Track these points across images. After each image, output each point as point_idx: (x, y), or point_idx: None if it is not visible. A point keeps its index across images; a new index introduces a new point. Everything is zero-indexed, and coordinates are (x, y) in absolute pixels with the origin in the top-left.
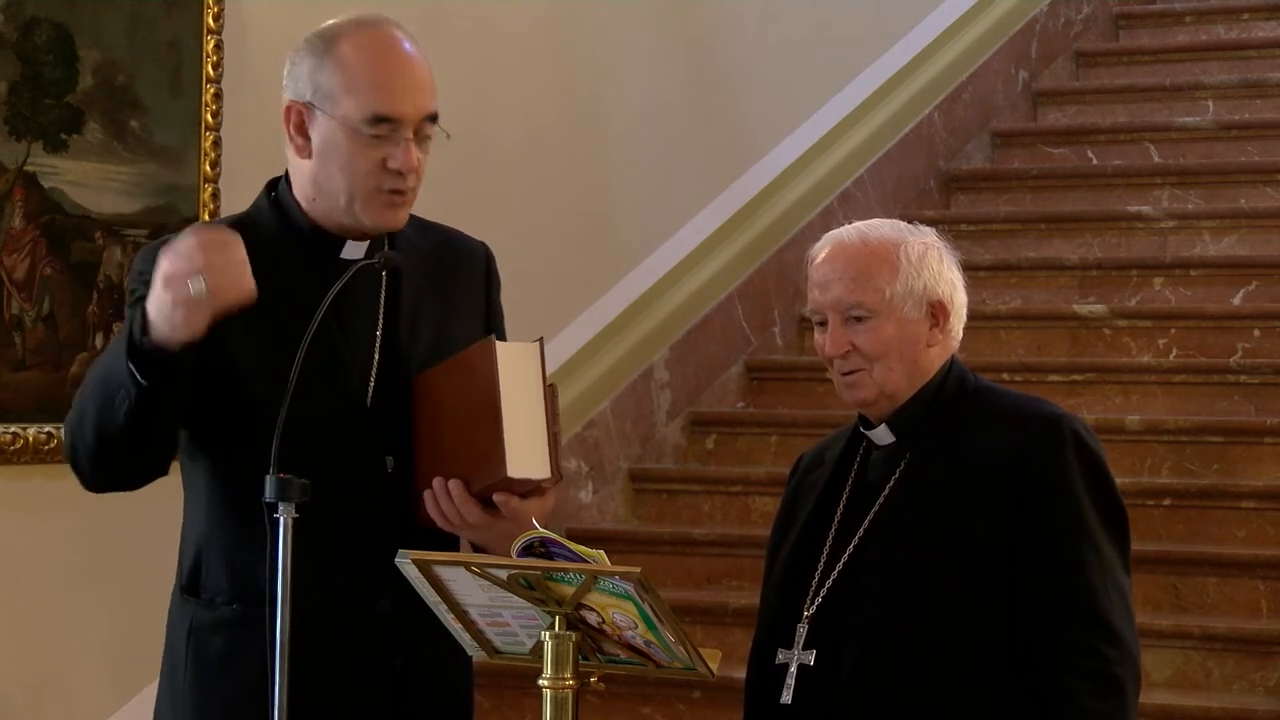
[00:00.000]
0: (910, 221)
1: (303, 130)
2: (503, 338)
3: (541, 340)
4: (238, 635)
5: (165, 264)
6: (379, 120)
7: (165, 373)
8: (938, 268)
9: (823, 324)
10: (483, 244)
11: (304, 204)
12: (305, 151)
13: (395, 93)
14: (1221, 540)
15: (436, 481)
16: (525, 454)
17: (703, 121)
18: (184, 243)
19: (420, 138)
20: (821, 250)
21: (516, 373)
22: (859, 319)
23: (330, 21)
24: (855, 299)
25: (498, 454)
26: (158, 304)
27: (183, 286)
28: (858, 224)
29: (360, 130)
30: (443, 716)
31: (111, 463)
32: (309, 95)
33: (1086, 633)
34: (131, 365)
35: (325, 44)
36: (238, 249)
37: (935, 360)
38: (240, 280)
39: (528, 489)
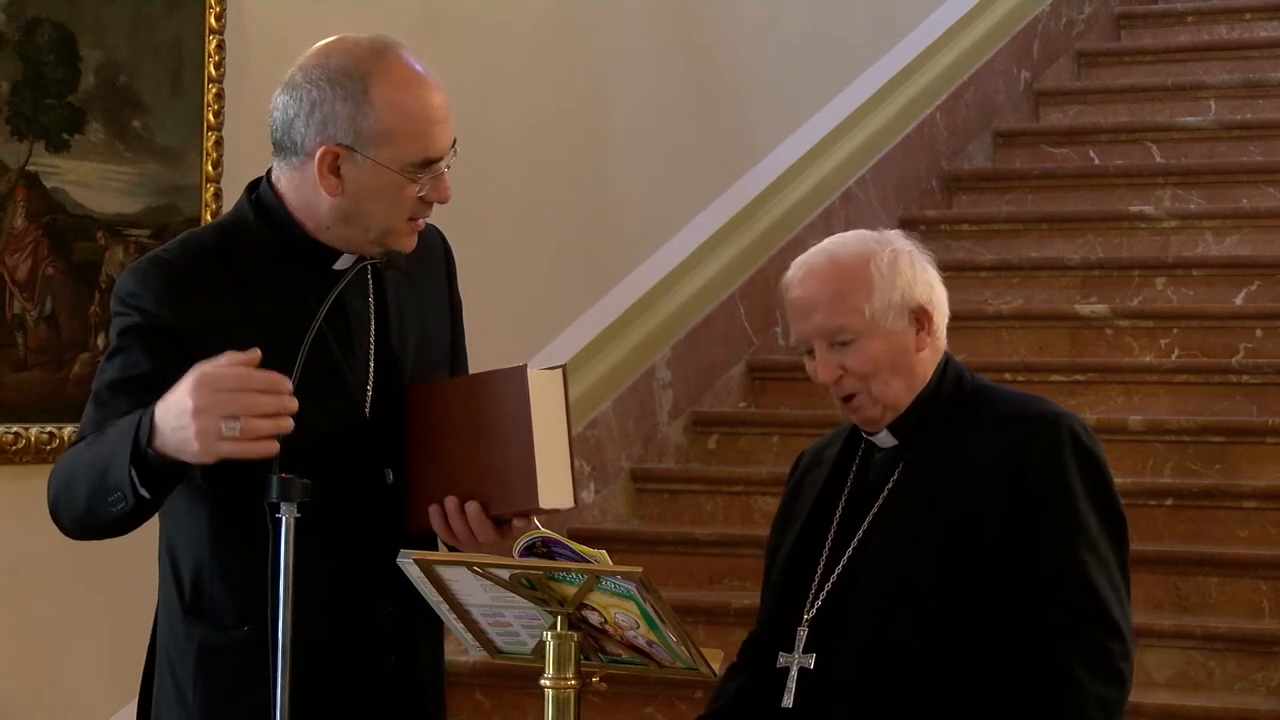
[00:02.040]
0: (906, 223)
1: (336, 171)
2: (461, 328)
3: (564, 368)
4: (251, 659)
5: (200, 393)
6: (427, 163)
7: (165, 483)
8: (911, 273)
9: (810, 352)
10: (436, 228)
11: (308, 225)
12: (337, 190)
13: (437, 135)
14: (1223, 540)
15: (450, 501)
16: (552, 484)
17: (704, 121)
18: (230, 375)
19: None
20: (794, 277)
21: (543, 401)
22: (844, 343)
23: (338, 50)
24: (837, 323)
25: (529, 485)
26: (174, 424)
27: (213, 423)
28: (824, 244)
29: (406, 173)
30: (430, 709)
31: (95, 534)
32: (349, 139)
33: (1091, 628)
34: (133, 474)
35: (356, 84)
36: (287, 403)
37: (928, 363)
38: (270, 436)
39: (546, 514)
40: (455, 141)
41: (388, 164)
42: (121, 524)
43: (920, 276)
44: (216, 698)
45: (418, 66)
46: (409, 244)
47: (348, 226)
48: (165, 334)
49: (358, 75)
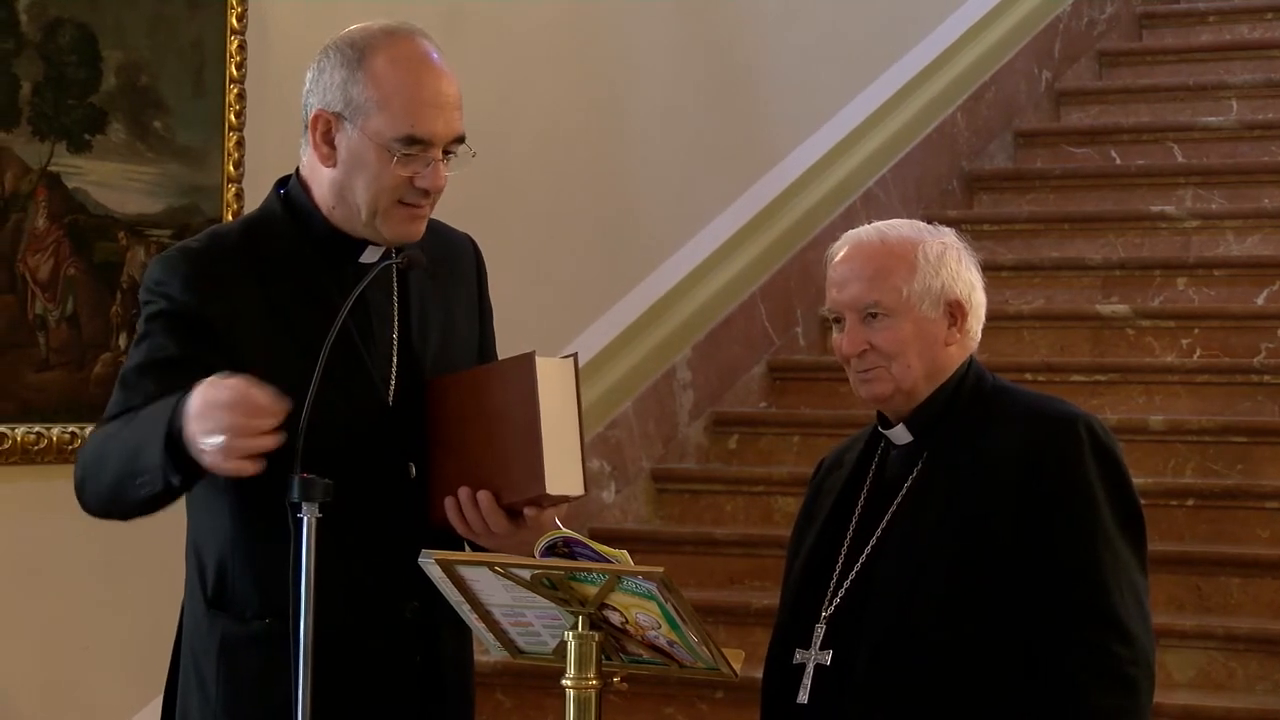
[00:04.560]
0: (932, 222)
1: (329, 140)
2: (491, 333)
3: (575, 355)
4: (273, 652)
5: (197, 400)
6: (411, 141)
7: (193, 472)
8: (955, 267)
9: (839, 322)
10: (469, 237)
11: (323, 209)
12: (330, 161)
13: (428, 114)
14: (1245, 540)
15: (463, 491)
16: (561, 470)
17: (724, 121)
18: (226, 393)
19: (447, 156)
20: (840, 250)
21: (553, 388)
22: (875, 316)
23: (357, 27)
24: (872, 298)
25: (537, 471)
26: (190, 424)
27: (203, 438)
28: (877, 224)
29: (391, 148)
30: (457, 710)
31: (119, 515)
32: (339, 106)
33: (1099, 632)
34: (165, 464)
35: (357, 55)
36: (264, 422)
37: (954, 359)
38: (249, 456)
39: (557, 502)
40: (463, 138)
41: (372, 136)
42: (145, 507)
43: (964, 274)
44: (238, 690)
45: (431, 51)
46: (405, 232)
47: (343, 204)
48: (191, 320)
49: (360, 46)
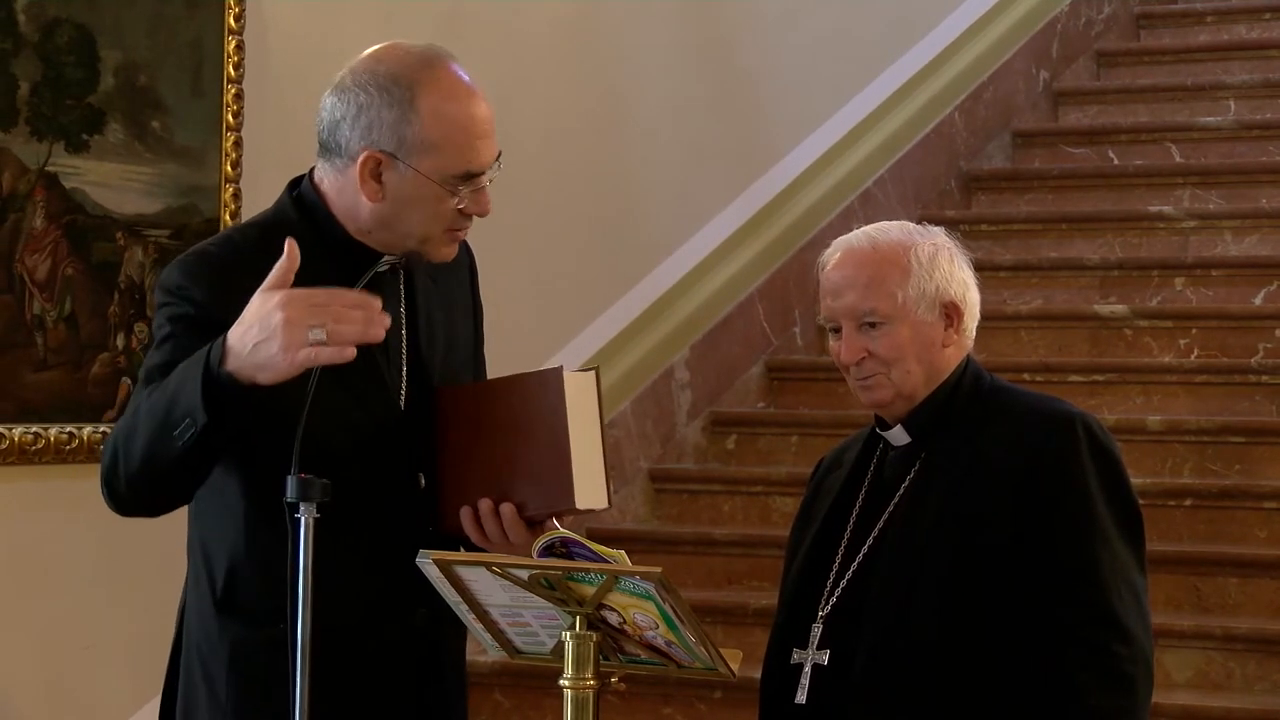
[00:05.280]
0: (922, 222)
1: (378, 177)
2: (481, 334)
3: (598, 370)
4: (285, 657)
5: (292, 306)
6: (469, 176)
7: (234, 409)
8: (949, 268)
9: (836, 330)
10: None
11: (349, 227)
12: (378, 196)
13: (482, 149)
14: (1243, 540)
15: (484, 503)
16: (587, 484)
17: (724, 121)
18: (321, 291)
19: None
20: (832, 257)
21: (577, 402)
22: (873, 325)
23: (389, 55)
24: (868, 305)
25: (565, 485)
26: (257, 338)
27: (301, 332)
28: (866, 228)
29: (449, 185)
30: (455, 709)
31: (150, 489)
32: (391, 146)
33: (1098, 631)
34: (204, 398)
35: (405, 93)
36: (375, 316)
37: (951, 360)
38: (354, 342)
39: (581, 514)
40: (500, 155)
41: (429, 174)
42: (183, 466)
43: (957, 274)
44: (250, 694)
45: (466, 78)
46: (448, 254)
47: (388, 232)
48: (214, 324)
49: (406, 83)
